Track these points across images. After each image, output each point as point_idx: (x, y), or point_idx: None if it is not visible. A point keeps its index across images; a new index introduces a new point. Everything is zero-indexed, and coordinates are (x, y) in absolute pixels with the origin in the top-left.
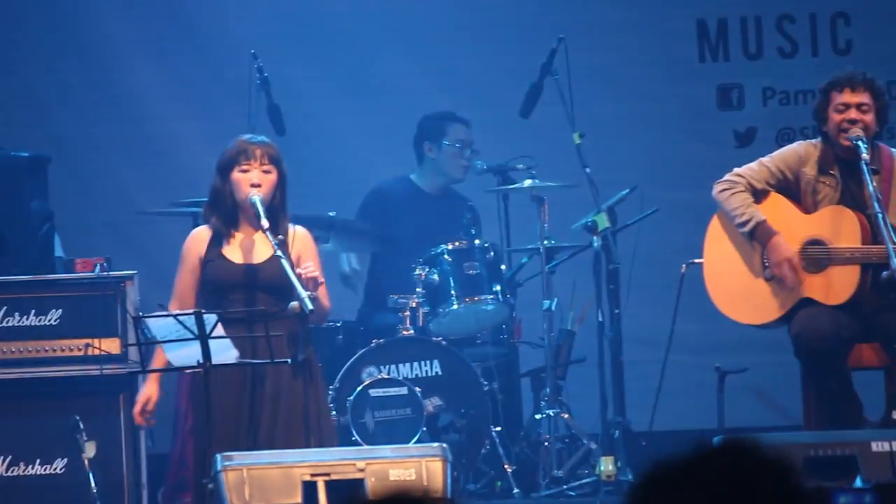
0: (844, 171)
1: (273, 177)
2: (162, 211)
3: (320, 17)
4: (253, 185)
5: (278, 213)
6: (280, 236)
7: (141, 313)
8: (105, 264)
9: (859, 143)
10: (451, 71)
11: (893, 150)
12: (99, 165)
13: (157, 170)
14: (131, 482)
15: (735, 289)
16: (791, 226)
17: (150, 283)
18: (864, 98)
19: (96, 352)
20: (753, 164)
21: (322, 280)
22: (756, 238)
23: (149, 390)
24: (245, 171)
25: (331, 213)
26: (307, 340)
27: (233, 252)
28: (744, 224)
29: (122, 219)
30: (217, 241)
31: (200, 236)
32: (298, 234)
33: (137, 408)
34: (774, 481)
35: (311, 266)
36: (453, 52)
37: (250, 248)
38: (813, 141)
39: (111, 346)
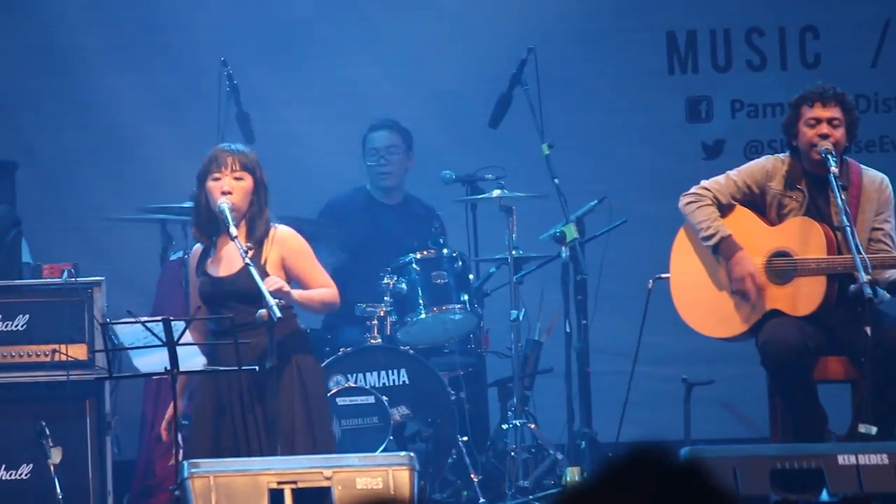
0: (812, 186)
1: (245, 184)
2: (130, 217)
3: (290, 25)
4: (224, 193)
5: (256, 221)
6: (249, 244)
7: (108, 319)
8: (72, 270)
9: (829, 156)
10: (420, 80)
11: (862, 166)
12: (67, 171)
13: (125, 176)
14: (97, 488)
15: (702, 302)
16: (757, 238)
17: (118, 289)
18: (835, 113)
19: (63, 357)
20: (720, 178)
21: (287, 289)
22: (720, 252)
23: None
24: (217, 180)
25: (300, 217)
26: (274, 348)
27: (213, 266)
28: (709, 238)
29: (89, 225)
30: (204, 256)
31: (194, 254)
32: (278, 236)
33: (164, 426)
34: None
35: (274, 279)
36: (423, 61)
37: (227, 259)
38: (781, 155)
39: (78, 352)
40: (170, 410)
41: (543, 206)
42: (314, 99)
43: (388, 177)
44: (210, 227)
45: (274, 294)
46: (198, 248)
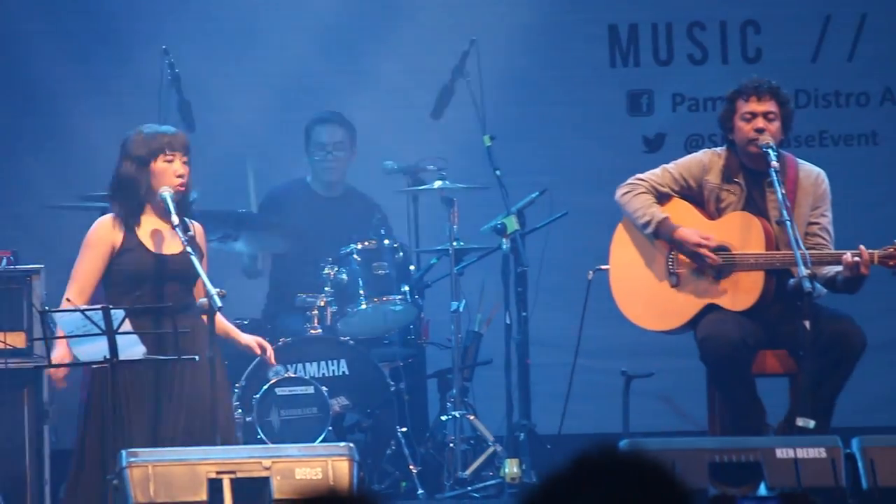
0: (749, 180)
1: (188, 168)
2: (70, 205)
3: (232, 14)
4: (178, 176)
5: (189, 204)
6: (190, 232)
7: (47, 307)
8: (11, 258)
9: (769, 150)
10: (362, 71)
11: (798, 160)
12: (6, 159)
13: (65, 164)
14: (34, 477)
15: (641, 295)
16: None
17: (57, 277)
18: (770, 106)
19: (1, 345)
20: (657, 170)
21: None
22: (660, 235)
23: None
24: (170, 162)
25: (241, 210)
26: (215, 338)
27: (148, 242)
28: (646, 224)
29: (29, 212)
30: (130, 229)
31: (111, 224)
32: (198, 229)
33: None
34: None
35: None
36: (365, 52)
37: (163, 238)
38: (718, 149)
39: (16, 340)
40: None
41: (484, 197)
42: (256, 88)
43: (332, 172)
44: (139, 205)
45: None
46: (114, 219)
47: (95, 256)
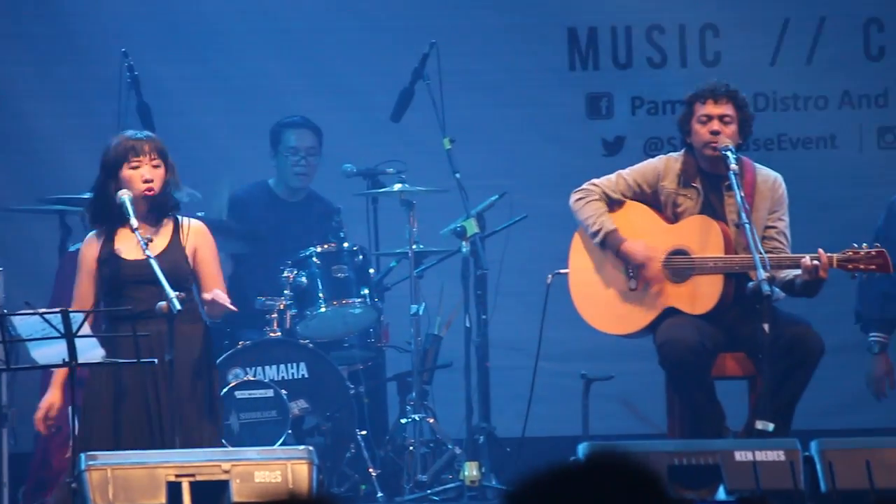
0: (706, 183)
1: (162, 171)
2: (28, 208)
3: (191, 17)
4: (146, 181)
5: (167, 205)
6: (149, 237)
7: (5, 311)
8: None
9: (728, 153)
10: (322, 73)
11: (756, 164)
12: None
13: (23, 166)
14: None
15: (600, 300)
16: (654, 235)
17: (16, 280)
18: (726, 109)
19: None
20: (611, 176)
21: (231, 307)
22: (607, 247)
23: (52, 398)
24: (136, 168)
25: (199, 214)
26: (174, 341)
27: (125, 249)
28: (595, 234)
29: None
30: (108, 240)
31: (92, 240)
32: (193, 228)
33: (40, 414)
34: (641, 494)
35: (220, 294)
36: (324, 54)
37: (135, 245)
38: (674, 154)
39: None
40: (44, 402)
41: (444, 200)
42: (216, 91)
43: (304, 178)
44: (117, 215)
45: (215, 307)
46: (95, 235)
47: (84, 274)
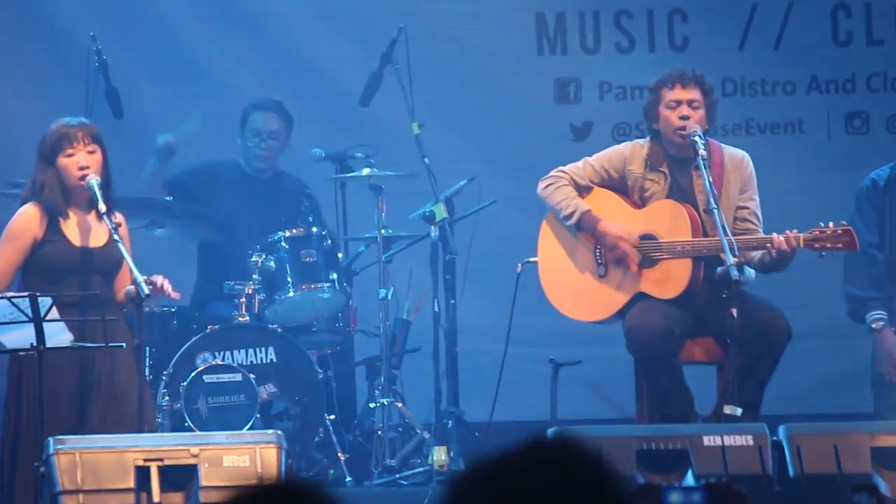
0: (674, 168)
1: (98, 156)
2: None
3: (160, 2)
4: (81, 168)
5: (107, 192)
6: (117, 221)
7: None
8: None
9: (696, 138)
10: (290, 58)
11: (722, 144)
12: None
13: None
14: None
15: (570, 287)
16: (622, 221)
17: None
18: (694, 94)
19: None
20: (578, 163)
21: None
22: (583, 228)
23: None
24: (71, 156)
25: (167, 198)
26: (141, 325)
27: (73, 234)
28: (569, 216)
29: None
30: (53, 222)
31: (33, 215)
32: (119, 217)
33: None
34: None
35: (165, 282)
36: (293, 39)
37: (87, 230)
38: (640, 141)
39: None
40: None
41: (413, 185)
42: (183, 76)
43: (262, 160)
44: (63, 202)
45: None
46: (36, 210)
47: (15, 247)
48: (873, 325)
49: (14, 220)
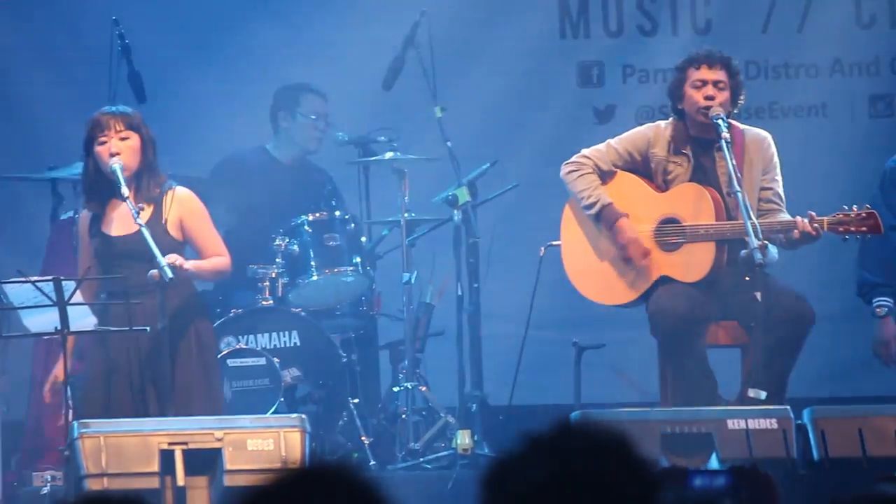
0: (697, 149)
1: (133, 143)
2: (19, 176)
3: None
4: (112, 154)
5: (143, 178)
6: (141, 205)
7: None
8: None
9: (720, 121)
10: (313, 42)
11: (743, 125)
12: None
13: (15, 135)
14: None
15: (592, 270)
16: (645, 205)
17: (8, 249)
18: (720, 75)
19: None
20: (601, 146)
21: (184, 266)
22: (602, 220)
23: (59, 368)
24: (103, 143)
25: (192, 175)
26: (167, 309)
27: (108, 226)
28: (590, 206)
29: None
30: (96, 217)
31: (85, 217)
32: (178, 196)
33: (48, 385)
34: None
35: (172, 256)
36: (316, 22)
37: (122, 219)
38: (663, 122)
39: None
40: (53, 372)
41: (436, 168)
42: (207, 60)
43: (320, 142)
44: (101, 192)
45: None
46: (86, 212)
47: (82, 251)
48: (877, 311)
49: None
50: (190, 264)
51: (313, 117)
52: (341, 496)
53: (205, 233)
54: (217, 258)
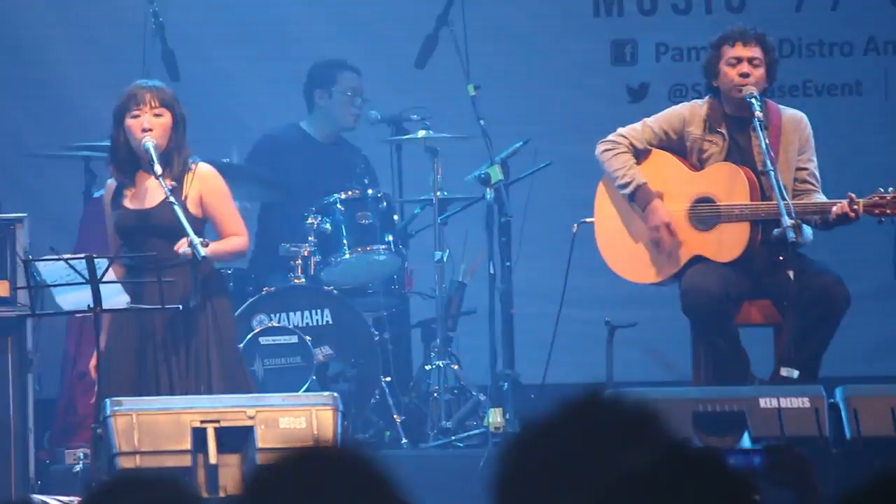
0: (732, 128)
1: (165, 120)
2: (53, 154)
3: None
4: (144, 130)
5: (173, 157)
6: (173, 182)
7: (31, 256)
8: None
9: (753, 100)
10: (347, 20)
11: (780, 105)
12: None
13: (48, 113)
14: (18, 426)
15: (626, 248)
16: (680, 184)
17: (41, 226)
18: (755, 52)
19: None
20: (637, 125)
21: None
22: (636, 201)
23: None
24: (136, 117)
25: (225, 160)
26: (198, 286)
27: (131, 200)
28: (624, 186)
29: (12, 162)
30: (119, 190)
31: (109, 188)
32: (200, 173)
33: (94, 362)
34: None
35: (182, 241)
36: (349, 0)
37: (145, 193)
38: (699, 101)
39: (0, 289)
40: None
41: (468, 147)
42: (241, 38)
43: (357, 119)
44: (129, 164)
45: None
46: (112, 182)
47: (108, 221)
48: None
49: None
50: (208, 249)
51: (349, 94)
52: (346, 476)
53: (224, 210)
54: (235, 238)
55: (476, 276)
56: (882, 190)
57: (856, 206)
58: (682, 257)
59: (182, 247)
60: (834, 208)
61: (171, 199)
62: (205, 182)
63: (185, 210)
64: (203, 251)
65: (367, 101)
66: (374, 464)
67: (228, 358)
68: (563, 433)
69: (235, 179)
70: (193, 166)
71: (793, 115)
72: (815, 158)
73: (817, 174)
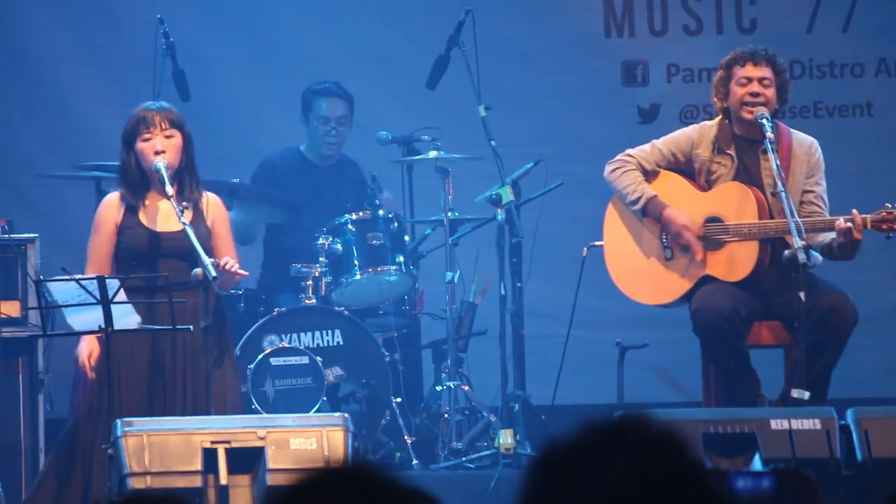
0: (741, 149)
1: (176, 141)
2: (64, 174)
3: None
4: (157, 153)
5: (185, 177)
6: (185, 203)
7: (42, 276)
8: (6, 227)
9: (764, 121)
10: (358, 40)
11: (791, 129)
12: (0, 128)
13: (59, 133)
14: (28, 445)
15: (636, 270)
16: (688, 204)
17: (52, 246)
18: (766, 73)
19: None
20: (646, 146)
21: (243, 273)
22: (648, 213)
23: (90, 345)
24: (147, 140)
25: (234, 180)
26: (209, 308)
27: (148, 220)
28: (635, 201)
29: (23, 182)
30: (132, 208)
31: (114, 203)
32: (212, 201)
33: (83, 358)
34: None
35: (230, 261)
36: (360, 21)
37: (157, 215)
38: (708, 122)
39: (11, 309)
40: (83, 349)
41: (479, 168)
42: (251, 58)
43: (333, 147)
44: (141, 187)
45: (226, 274)
46: (117, 198)
47: (102, 236)
48: None
49: (98, 211)
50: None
51: (318, 123)
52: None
53: (227, 239)
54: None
55: (487, 297)
56: (889, 205)
57: (859, 221)
58: (692, 278)
59: (228, 266)
60: (838, 222)
61: (184, 220)
62: (218, 210)
63: (210, 235)
64: (214, 272)
65: (347, 126)
66: (391, 482)
67: (226, 378)
68: (593, 457)
69: (245, 200)
70: (205, 194)
71: (803, 140)
72: (823, 182)
73: (825, 197)
